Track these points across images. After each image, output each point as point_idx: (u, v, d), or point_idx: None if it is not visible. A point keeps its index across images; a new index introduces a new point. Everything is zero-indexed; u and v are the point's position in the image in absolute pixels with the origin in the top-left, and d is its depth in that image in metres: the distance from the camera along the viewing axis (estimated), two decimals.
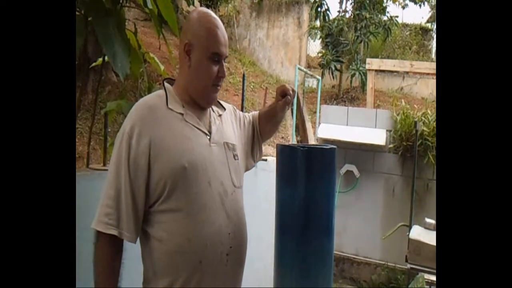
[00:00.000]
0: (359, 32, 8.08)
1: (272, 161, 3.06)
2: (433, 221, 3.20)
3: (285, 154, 2.50)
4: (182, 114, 1.23)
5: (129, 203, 1.14)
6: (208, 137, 1.26)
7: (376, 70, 5.67)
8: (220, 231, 1.21)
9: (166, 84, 1.31)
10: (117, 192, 1.14)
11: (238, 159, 1.35)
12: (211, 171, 1.22)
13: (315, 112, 7.18)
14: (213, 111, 1.35)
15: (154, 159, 1.15)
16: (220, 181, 1.24)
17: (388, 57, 8.86)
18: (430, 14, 11.26)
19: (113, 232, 1.13)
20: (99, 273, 1.13)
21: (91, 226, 1.14)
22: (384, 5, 8.84)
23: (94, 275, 1.13)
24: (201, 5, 8.41)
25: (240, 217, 1.31)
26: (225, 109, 1.41)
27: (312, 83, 8.95)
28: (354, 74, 7.89)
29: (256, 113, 1.57)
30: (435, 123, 3.90)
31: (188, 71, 1.24)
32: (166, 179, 1.15)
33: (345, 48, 8.29)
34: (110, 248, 1.14)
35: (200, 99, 1.27)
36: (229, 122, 1.41)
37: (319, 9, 8.57)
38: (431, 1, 9.91)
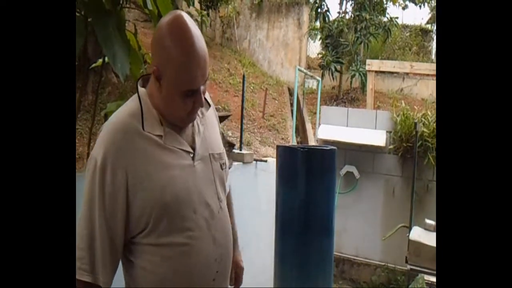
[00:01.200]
0: (359, 33, 8.09)
1: (272, 162, 3.06)
2: (433, 222, 3.20)
3: (285, 155, 2.52)
4: (160, 137, 1.09)
5: (105, 244, 1.03)
6: (192, 155, 1.14)
7: (376, 71, 5.68)
8: (207, 260, 1.13)
9: (140, 91, 1.12)
10: (91, 232, 1.02)
11: (225, 167, 1.25)
12: (195, 196, 1.12)
13: (315, 113, 7.19)
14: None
15: (133, 194, 1.04)
16: (205, 203, 1.14)
17: (388, 58, 8.86)
18: (430, 15, 11.27)
19: (87, 278, 1.01)
20: None
21: None
22: (384, 6, 8.86)
23: None
24: (201, 6, 8.39)
25: (226, 236, 1.21)
26: (210, 105, 1.28)
27: (312, 84, 8.96)
28: (354, 75, 7.90)
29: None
30: (435, 124, 3.90)
31: (160, 96, 1.09)
32: (147, 216, 1.05)
33: (345, 49, 8.30)
34: None
35: (176, 122, 1.13)
36: (214, 121, 1.30)
37: (319, 10, 8.59)
38: (431, 2, 9.92)
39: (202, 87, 1.08)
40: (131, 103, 1.12)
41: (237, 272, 1.41)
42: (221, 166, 1.23)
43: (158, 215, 1.05)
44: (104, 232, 1.03)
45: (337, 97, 8.43)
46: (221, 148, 1.27)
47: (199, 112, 1.19)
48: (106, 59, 1.85)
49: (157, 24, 1.09)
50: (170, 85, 1.05)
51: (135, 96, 1.13)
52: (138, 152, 1.05)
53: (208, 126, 1.24)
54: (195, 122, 1.18)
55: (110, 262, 1.05)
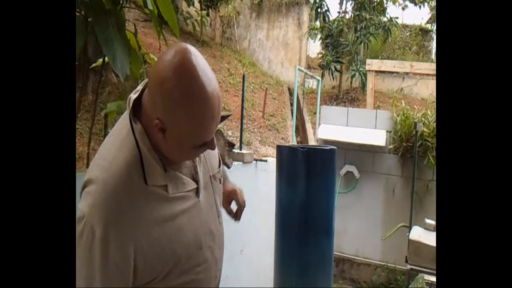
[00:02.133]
0: (359, 33, 8.09)
1: (272, 161, 3.06)
2: (433, 222, 3.20)
3: (285, 155, 2.52)
4: (165, 187, 0.94)
5: None
6: (195, 190, 1.03)
7: (376, 71, 5.68)
8: (209, 282, 1.08)
9: (137, 131, 0.91)
10: None
11: (221, 177, 1.18)
12: (201, 234, 1.03)
13: (315, 113, 7.18)
14: None
15: (141, 262, 0.90)
16: (209, 232, 1.06)
17: (388, 58, 8.87)
18: (430, 15, 11.27)
19: None
20: None
21: None
22: (384, 6, 8.86)
23: None
24: (201, 7, 8.38)
25: (222, 249, 1.15)
26: None
27: (312, 84, 8.96)
28: (354, 74, 7.90)
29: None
30: (435, 124, 3.90)
31: (162, 141, 0.92)
32: (157, 274, 0.94)
33: (345, 49, 8.30)
34: None
35: (178, 161, 1.01)
36: None
37: (319, 10, 8.59)
38: (431, 2, 9.92)
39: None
40: (125, 149, 0.91)
41: (234, 199, 1.31)
42: (219, 181, 1.15)
43: (168, 268, 0.95)
44: None
45: (337, 97, 8.44)
46: (217, 160, 1.17)
47: None
48: (106, 59, 1.84)
49: (158, 60, 0.90)
50: (180, 140, 0.90)
51: (127, 136, 0.92)
52: (145, 216, 0.90)
53: None
54: None
55: None
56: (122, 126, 0.95)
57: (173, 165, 0.98)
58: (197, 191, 1.03)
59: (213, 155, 1.15)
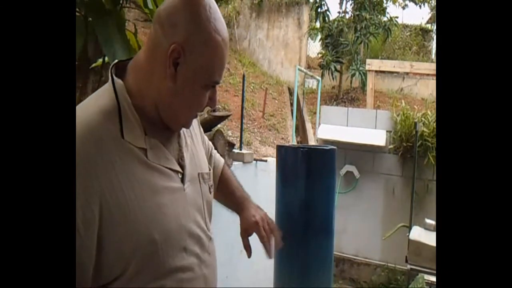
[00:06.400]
0: (359, 32, 8.10)
1: (272, 161, 3.06)
2: (433, 222, 3.20)
3: (285, 154, 2.52)
4: (144, 150, 0.82)
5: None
6: (181, 176, 0.90)
7: (376, 71, 5.69)
8: None
9: (118, 84, 0.84)
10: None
11: (213, 190, 1.03)
12: (186, 230, 0.88)
13: (315, 113, 7.19)
14: None
15: (107, 233, 0.75)
16: (196, 236, 0.91)
17: (388, 58, 8.88)
18: (430, 15, 11.27)
19: None
20: None
21: None
22: (384, 5, 8.87)
23: None
24: None
25: (215, 275, 1.00)
26: None
27: (312, 83, 8.97)
28: (354, 74, 7.90)
29: (218, 160, 1.22)
30: (435, 124, 3.90)
31: (167, 89, 0.83)
32: (127, 259, 0.78)
33: (345, 49, 8.30)
34: None
35: (173, 125, 0.90)
36: (198, 133, 1.07)
37: (319, 9, 8.59)
38: (431, 2, 9.93)
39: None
40: (103, 98, 0.83)
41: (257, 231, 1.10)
42: (209, 189, 1.00)
43: (141, 257, 0.79)
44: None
45: (337, 97, 8.44)
46: (208, 167, 1.04)
47: None
48: (106, 59, 1.84)
49: None
50: (196, 74, 0.82)
51: (107, 88, 0.84)
52: (115, 171, 0.77)
53: (194, 140, 1.02)
54: (181, 132, 0.95)
55: None
56: (100, 90, 0.89)
57: (155, 133, 0.86)
58: (182, 177, 0.90)
59: (201, 153, 1.04)
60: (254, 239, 1.12)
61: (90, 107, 0.82)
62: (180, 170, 0.90)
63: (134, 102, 0.84)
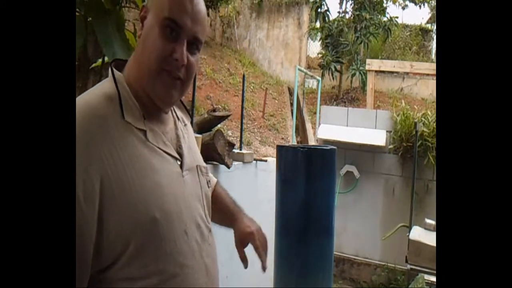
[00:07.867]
0: (359, 32, 8.11)
1: (272, 161, 3.06)
2: (433, 222, 3.21)
3: (285, 154, 2.52)
4: (143, 132, 0.84)
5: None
6: (179, 163, 0.90)
7: (376, 71, 5.69)
8: None
9: (117, 74, 0.88)
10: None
11: (211, 185, 1.04)
12: (186, 213, 0.88)
13: (315, 113, 7.19)
14: (178, 118, 1.00)
15: (108, 209, 0.76)
16: (196, 223, 0.91)
17: (388, 58, 8.88)
18: (430, 15, 11.28)
19: None
20: None
21: None
22: (384, 5, 8.87)
23: None
24: None
25: (216, 267, 0.98)
26: (190, 114, 1.09)
27: (312, 84, 8.97)
28: (354, 73, 7.91)
29: (211, 177, 1.14)
30: (435, 124, 3.90)
31: (136, 47, 0.88)
32: (127, 238, 0.77)
33: (345, 49, 8.31)
34: None
35: (149, 91, 0.87)
36: (193, 137, 1.07)
37: (319, 10, 8.60)
38: (431, 2, 9.93)
39: (191, 58, 0.87)
40: (104, 86, 0.87)
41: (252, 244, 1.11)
42: (207, 183, 1.01)
43: (141, 236, 0.79)
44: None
45: (337, 97, 8.45)
46: (201, 158, 1.06)
47: (181, 120, 1.01)
48: (106, 59, 1.85)
49: None
50: (152, 13, 0.85)
51: (108, 79, 0.89)
52: (117, 150, 0.78)
53: (191, 139, 1.03)
54: (178, 126, 0.97)
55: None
56: (102, 81, 0.92)
57: (152, 121, 0.89)
58: (181, 165, 0.91)
59: (198, 152, 1.05)
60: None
61: (91, 92, 0.86)
62: (178, 157, 0.91)
63: (133, 92, 0.87)
